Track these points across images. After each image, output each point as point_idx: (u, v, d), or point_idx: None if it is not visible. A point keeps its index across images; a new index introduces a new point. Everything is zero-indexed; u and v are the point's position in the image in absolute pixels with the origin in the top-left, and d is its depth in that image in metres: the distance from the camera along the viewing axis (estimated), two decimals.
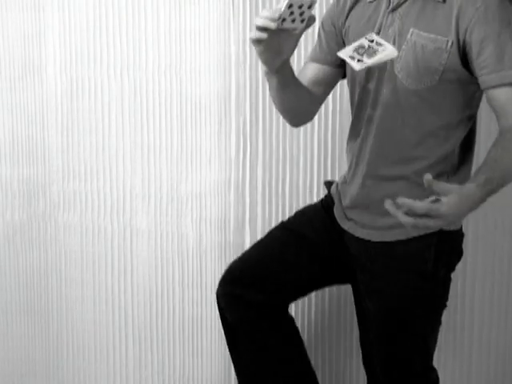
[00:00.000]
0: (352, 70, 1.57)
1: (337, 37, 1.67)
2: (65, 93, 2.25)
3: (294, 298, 1.79)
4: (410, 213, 1.21)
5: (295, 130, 2.05)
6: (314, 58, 1.70)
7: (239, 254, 2.07)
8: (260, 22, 1.35)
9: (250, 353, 1.72)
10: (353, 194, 1.61)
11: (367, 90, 1.57)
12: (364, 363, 1.74)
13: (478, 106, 1.57)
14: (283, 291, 1.72)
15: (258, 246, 1.77)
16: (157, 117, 2.18)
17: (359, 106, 1.60)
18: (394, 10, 1.52)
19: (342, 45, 1.64)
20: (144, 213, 2.23)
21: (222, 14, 2.03)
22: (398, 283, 1.57)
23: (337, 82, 1.74)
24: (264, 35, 1.36)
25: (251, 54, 2.02)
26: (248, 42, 2.01)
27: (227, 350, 2.10)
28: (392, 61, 1.50)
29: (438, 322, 1.62)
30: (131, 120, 2.20)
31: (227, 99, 2.06)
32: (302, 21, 1.38)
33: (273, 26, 1.34)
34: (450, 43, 1.45)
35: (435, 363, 1.74)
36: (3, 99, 2.38)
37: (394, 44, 1.50)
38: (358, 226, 1.61)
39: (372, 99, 1.56)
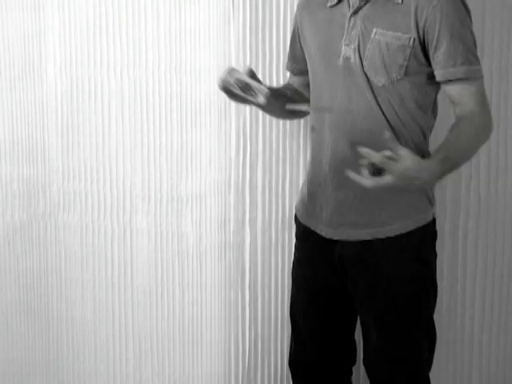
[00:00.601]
0: (319, 70, 1.69)
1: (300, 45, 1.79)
2: (65, 93, 2.25)
3: (352, 356, 1.83)
4: (369, 167, 1.43)
5: (295, 130, 2.05)
6: (291, 71, 1.87)
7: (239, 254, 2.08)
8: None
9: None
10: (340, 197, 1.64)
11: (335, 91, 1.64)
12: (365, 365, 1.75)
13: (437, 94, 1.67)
14: (345, 361, 1.81)
15: (305, 328, 1.80)
16: (157, 117, 2.18)
17: (329, 105, 1.66)
18: (355, 12, 1.61)
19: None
20: (144, 213, 2.22)
21: (222, 14, 2.03)
22: (403, 276, 1.61)
23: None
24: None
25: (251, 54, 2.02)
26: (248, 41, 2.02)
27: (227, 349, 2.11)
28: (361, 59, 1.60)
29: (433, 311, 1.68)
30: (131, 120, 2.20)
31: (227, 99, 2.05)
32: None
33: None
34: (411, 40, 1.55)
35: (435, 363, 1.75)
36: (3, 99, 2.38)
37: (358, 45, 1.59)
38: (356, 228, 1.63)
39: (341, 99, 1.62)
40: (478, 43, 1.61)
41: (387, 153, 1.42)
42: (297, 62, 1.83)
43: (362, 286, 1.65)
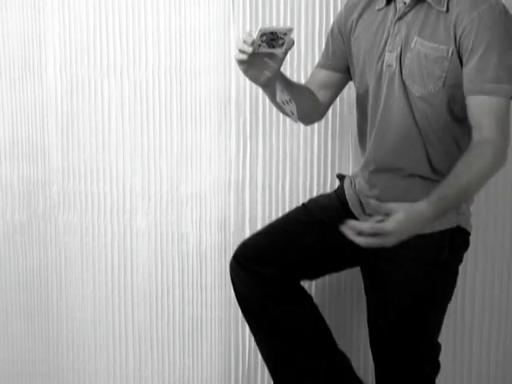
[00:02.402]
0: (363, 77, 1.66)
1: (344, 45, 1.74)
2: (65, 93, 2.25)
3: (305, 275, 1.82)
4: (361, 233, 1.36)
5: (295, 130, 2.05)
6: (320, 64, 1.80)
7: None
8: (238, 45, 1.47)
9: (266, 324, 1.75)
10: (375, 192, 1.66)
11: (379, 96, 1.63)
12: (373, 353, 1.76)
13: None
14: (295, 268, 1.75)
15: (274, 224, 1.82)
16: (157, 117, 2.18)
17: (373, 110, 1.66)
18: (400, 18, 1.58)
19: (346, 53, 1.73)
20: (144, 213, 2.22)
21: (221, 14, 2.03)
22: (416, 273, 1.62)
23: (344, 86, 1.83)
24: (243, 57, 1.47)
25: None
26: None
27: (227, 349, 2.11)
28: (400, 67, 1.56)
29: (445, 310, 1.69)
30: (131, 120, 2.20)
31: (227, 99, 2.06)
32: (282, 44, 1.46)
33: (248, 50, 1.45)
34: (450, 52, 1.51)
35: None
36: (3, 99, 2.38)
37: (400, 52, 1.57)
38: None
39: (383, 105, 1.62)
40: None
41: (375, 219, 1.38)
42: (327, 56, 1.78)
43: (374, 268, 1.68)
